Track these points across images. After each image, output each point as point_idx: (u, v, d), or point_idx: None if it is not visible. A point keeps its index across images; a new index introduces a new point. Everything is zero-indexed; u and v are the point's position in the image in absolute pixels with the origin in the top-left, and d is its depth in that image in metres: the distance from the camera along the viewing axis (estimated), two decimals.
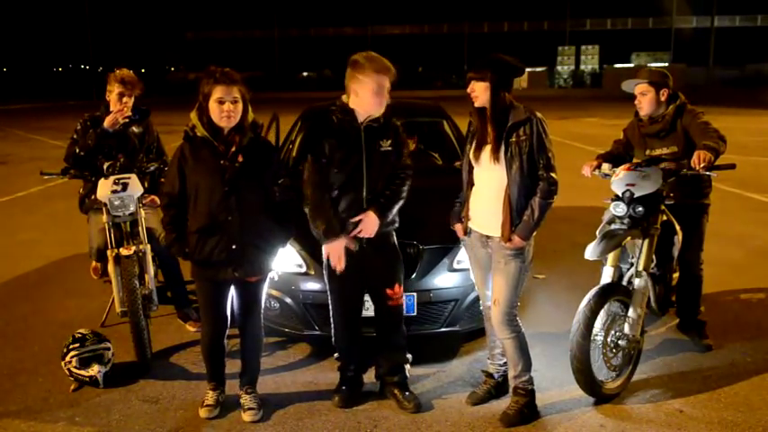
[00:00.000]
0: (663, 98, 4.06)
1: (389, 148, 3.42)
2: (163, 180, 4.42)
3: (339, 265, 3.39)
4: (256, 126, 3.33)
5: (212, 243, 3.24)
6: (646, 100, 4.08)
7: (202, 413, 3.47)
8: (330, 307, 3.64)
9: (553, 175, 3.22)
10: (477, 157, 3.33)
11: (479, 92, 3.24)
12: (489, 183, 3.32)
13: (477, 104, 3.28)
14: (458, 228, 3.56)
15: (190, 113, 3.27)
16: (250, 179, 3.25)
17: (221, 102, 3.16)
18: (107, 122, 4.24)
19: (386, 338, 3.66)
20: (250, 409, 3.45)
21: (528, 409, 3.41)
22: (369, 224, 3.37)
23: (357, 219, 3.37)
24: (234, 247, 3.24)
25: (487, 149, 3.28)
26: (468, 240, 3.52)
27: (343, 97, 3.44)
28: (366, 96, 3.31)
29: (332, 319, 3.66)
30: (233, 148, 3.22)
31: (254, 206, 3.27)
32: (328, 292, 3.62)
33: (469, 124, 3.45)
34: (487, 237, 3.38)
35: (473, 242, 3.49)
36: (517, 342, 3.38)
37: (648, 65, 41.10)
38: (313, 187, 3.38)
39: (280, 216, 3.36)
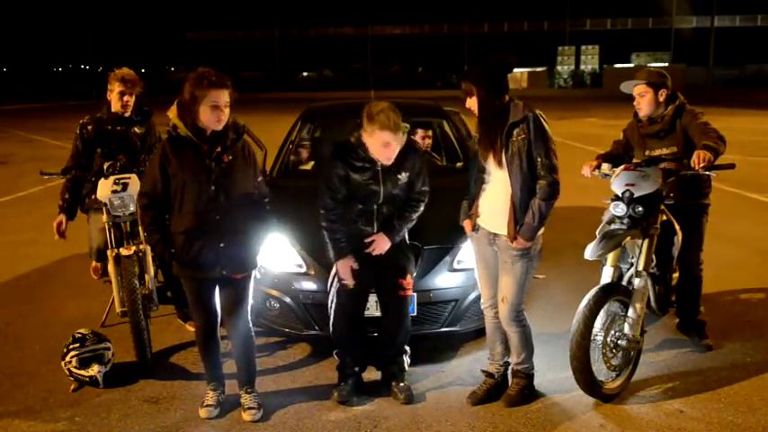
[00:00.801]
0: (661, 99, 4.06)
1: (406, 180, 3.56)
2: None
3: (350, 281, 3.53)
4: (237, 126, 3.33)
5: (200, 243, 3.25)
6: (645, 101, 4.08)
7: (202, 413, 3.48)
8: (333, 305, 3.66)
9: (554, 176, 3.24)
10: (485, 159, 3.40)
11: (473, 106, 3.35)
12: (495, 183, 3.42)
13: (476, 113, 3.38)
14: (466, 224, 3.59)
15: (167, 112, 3.24)
16: (235, 178, 3.26)
17: (216, 106, 3.15)
18: (54, 228, 4.38)
19: (390, 330, 3.66)
20: (250, 408, 3.45)
21: (528, 390, 3.60)
22: (380, 244, 3.55)
23: (370, 239, 3.54)
24: (222, 245, 3.25)
25: (490, 152, 3.35)
26: (475, 236, 3.58)
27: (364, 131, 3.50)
28: (373, 148, 3.46)
29: (332, 318, 3.67)
30: (218, 149, 3.22)
31: (240, 204, 3.29)
32: (334, 292, 3.64)
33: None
34: (495, 234, 3.44)
35: (480, 238, 3.55)
36: (523, 335, 3.52)
37: (648, 65, 41.07)
38: (324, 212, 3.55)
39: (260, 212, 3.40)
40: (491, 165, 3.36)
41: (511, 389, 3.59)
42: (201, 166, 3.21)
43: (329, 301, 3.69)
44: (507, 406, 3.52)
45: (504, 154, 3.27)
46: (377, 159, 3.48)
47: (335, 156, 3.55)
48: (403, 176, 3.54)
